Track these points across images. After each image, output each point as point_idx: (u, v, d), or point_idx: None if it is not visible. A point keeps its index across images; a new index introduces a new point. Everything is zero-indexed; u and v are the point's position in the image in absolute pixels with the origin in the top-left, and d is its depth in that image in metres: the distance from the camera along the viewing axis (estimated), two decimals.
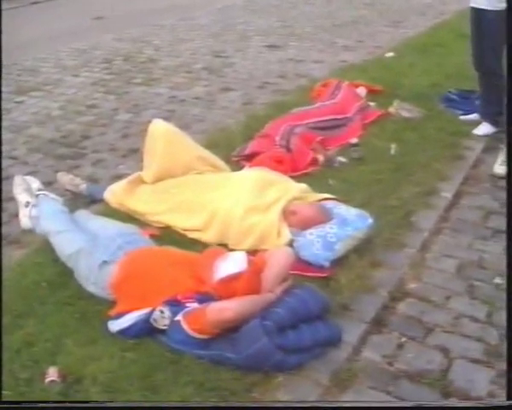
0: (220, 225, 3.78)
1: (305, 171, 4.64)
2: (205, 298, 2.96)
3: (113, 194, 4.21)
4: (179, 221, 3.93)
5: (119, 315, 3.06)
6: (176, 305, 2.96)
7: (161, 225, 3.96)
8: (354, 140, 5.05)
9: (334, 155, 4.86)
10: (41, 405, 2.44)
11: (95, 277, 3.26)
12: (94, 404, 2.61)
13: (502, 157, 4.58)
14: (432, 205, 4.26)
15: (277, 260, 3.10)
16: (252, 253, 3.30)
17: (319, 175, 4.61)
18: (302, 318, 2.95)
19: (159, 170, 4.10)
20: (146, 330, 2.99)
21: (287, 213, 3.79)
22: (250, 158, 4.74)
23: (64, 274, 3.46)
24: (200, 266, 3.15)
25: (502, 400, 2.36)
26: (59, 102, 6.90)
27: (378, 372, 2.88)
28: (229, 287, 2.92)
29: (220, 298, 2.92)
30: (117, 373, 2.79)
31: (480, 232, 4.03)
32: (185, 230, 3.89)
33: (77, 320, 3.15)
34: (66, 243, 3.51)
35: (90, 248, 3.38)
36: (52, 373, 2.76)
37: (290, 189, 4.01)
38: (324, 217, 3.72)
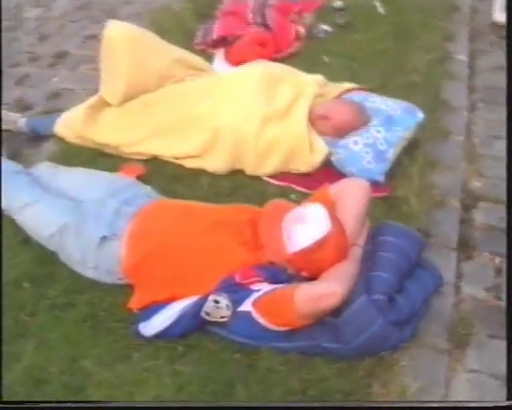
0: (229, 147, 2.91)
1: (289, 50, 3.87)
2: (274, 273, 2.13)
3: (69, 126, 3.17)
4: (166, 148, 3.03)
5: (147, 309, 2.20)
6: (236, 290, 2.10)
7: (143, 157, 3.03)
8: (338, 3, 4.09)
9: (315, 23, 4.05)
10: (41, 405, 2.01)
11: (93, 259, 2.34)
12: (95, 404, 2.05)
13: (500, 2, 4.14)
14: (454, 74, 3.71)
15: (352, 199, 2.25)
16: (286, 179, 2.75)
17: (308, 52, 3.86)
18: (405, 273, 2.20)
19: (126, 86, 3.08)
20: (194, 326, 2.14)
21: (315, 119, 2.93)
22: (219, 43, 3.86)
23: (46, 263, 2.48)
24: (257, 226, 2.28)
25: (502, 400, 1.97)
26: None
27: (490, 313, 2.32)
28: (312, 258, 2.09)
29: (298, 271, 2.12)
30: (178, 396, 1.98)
31: None
32: (177, 158, 3.03)
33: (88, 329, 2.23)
34: (42, 220, 2.50)
35: (76, 220, 2.41)
36: None
37: (305, 84, 3.10)
38: (362, 116, 2.90)
